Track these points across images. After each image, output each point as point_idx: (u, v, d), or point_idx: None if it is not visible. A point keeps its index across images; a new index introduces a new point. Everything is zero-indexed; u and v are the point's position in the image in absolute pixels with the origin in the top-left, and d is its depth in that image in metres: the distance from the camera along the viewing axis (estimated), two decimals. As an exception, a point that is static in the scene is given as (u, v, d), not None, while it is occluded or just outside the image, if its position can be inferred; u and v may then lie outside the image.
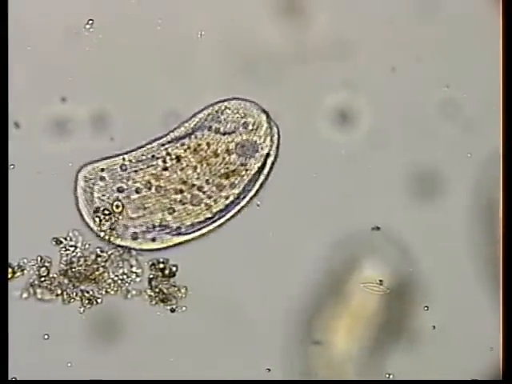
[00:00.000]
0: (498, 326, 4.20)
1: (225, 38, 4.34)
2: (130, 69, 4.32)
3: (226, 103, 4.38)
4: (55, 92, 4.35)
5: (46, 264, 4.37)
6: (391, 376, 4.39)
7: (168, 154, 4.38)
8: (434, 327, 4.40)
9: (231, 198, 4.39)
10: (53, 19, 4.31)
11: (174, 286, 4.39)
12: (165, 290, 4.38)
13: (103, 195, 4.36)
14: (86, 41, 4.33)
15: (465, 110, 4.39)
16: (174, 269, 4.39)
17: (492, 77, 4.27)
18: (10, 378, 4.27)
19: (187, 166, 4.38)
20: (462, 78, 4.38)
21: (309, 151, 4.39)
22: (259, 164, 4.38)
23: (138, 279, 4.39)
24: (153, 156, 4.36)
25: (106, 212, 4.35)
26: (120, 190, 4.37)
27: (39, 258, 4.36)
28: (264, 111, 4.36)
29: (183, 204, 4.36)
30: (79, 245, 4.37)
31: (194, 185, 4.37)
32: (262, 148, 4.38)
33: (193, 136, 4.37)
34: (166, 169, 4.38)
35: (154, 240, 4.37)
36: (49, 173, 4.35)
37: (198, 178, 4.37)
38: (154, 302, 4.39)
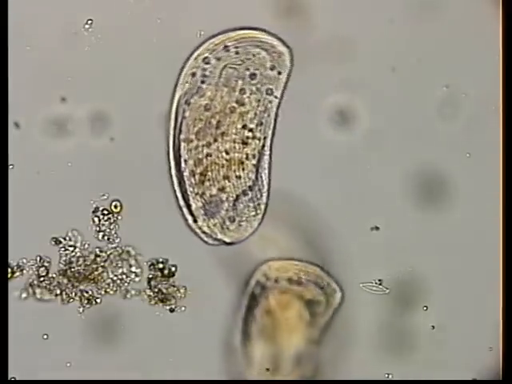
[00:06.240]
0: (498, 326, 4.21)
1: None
2: (129, 68, 4.33)
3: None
4: (55, 92, 4.36)
5: (46, 264, 4.37)
6: (391, 376, 4.39)
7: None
8: (434, 327, 4.40)
9: None
10: (52, 19, 4.31)
11: (174, 286, 4.39)
12: (164, 290, 4.38)
13: None
14: (85, 40, 4.34)
15: (465, 109, 4.39)
16: (173, 269, 4.39)
17: (492, 77, 4.27)
18: (9, 378, 4.27)
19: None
20: (461, 77, 4.37)
21: (308, 152, 4.39)
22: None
23: (137, 279, 4.40)
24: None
25: (105, 212, 4.36)
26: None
27: (38, 258, 4.37)
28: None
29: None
30: (78, 245, 4.38)
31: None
32: None
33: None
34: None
35: None
36: (48, 172, 4.36)
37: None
38: (153, 302, 4.39)
